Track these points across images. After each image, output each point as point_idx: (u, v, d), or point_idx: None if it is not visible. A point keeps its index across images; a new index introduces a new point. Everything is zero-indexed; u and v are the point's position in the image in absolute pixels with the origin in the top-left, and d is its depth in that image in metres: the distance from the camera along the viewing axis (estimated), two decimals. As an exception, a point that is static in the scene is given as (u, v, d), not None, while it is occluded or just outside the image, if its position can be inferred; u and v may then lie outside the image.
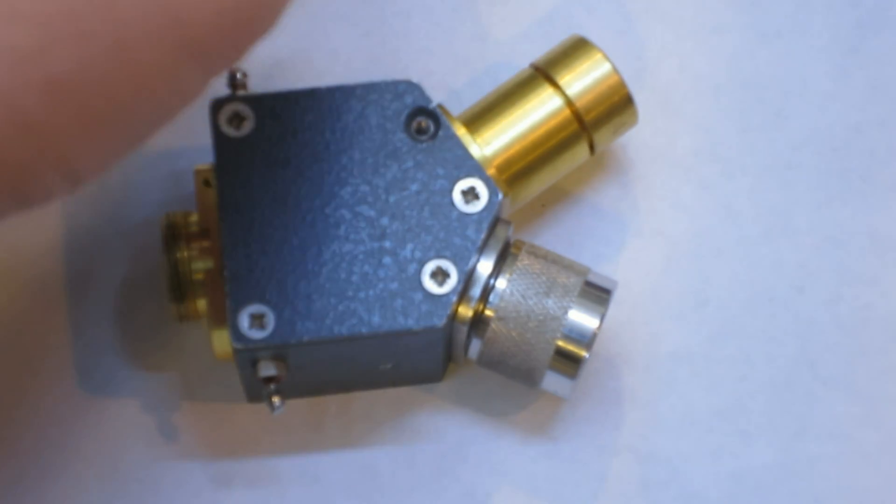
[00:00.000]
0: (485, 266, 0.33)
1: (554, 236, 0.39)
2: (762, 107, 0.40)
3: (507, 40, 0.40)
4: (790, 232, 0.39)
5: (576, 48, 0.36)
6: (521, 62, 0.37)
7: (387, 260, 0.33)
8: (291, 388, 0.34)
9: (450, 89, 0.39)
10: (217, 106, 0.33)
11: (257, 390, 0.34)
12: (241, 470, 0.36)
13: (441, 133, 0.34)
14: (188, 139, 0.38)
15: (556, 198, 0.39)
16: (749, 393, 0.38)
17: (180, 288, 0.34)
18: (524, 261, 0.34)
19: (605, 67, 0.36)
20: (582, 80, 0.36)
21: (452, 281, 0.32)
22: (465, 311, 0.33)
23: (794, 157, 0.40)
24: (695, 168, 0.40)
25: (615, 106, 0.36)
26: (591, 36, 0.37)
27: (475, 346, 0.34)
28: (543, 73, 0.36)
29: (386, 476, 0.37)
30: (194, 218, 0.35)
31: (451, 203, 0.33)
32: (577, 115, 0.36)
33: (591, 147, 0.36)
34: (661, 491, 0.37)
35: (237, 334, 0.32)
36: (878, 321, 0.38)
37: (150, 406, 0.37)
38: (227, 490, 0.36)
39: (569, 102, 0.36)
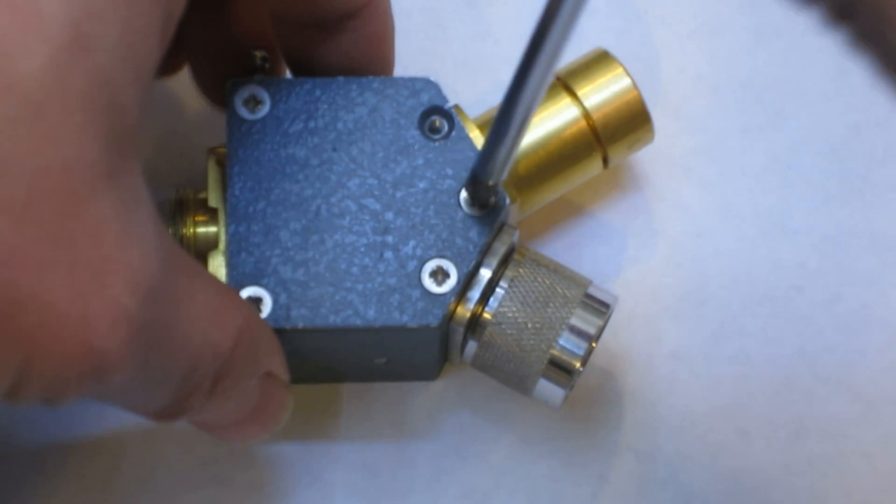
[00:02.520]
0: (486, 269, 0.33)
1: (554, 236, 0.39)
2: (762, 107, 0.40)
3: (507, 40, 0.40)
4: (789, 232, 0.39)
5: (597, 61, 0.36)
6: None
7: (388, 254, 0.33)
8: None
9: (450, 89, 0.39)
10: (235, 87, 0.33)
11: None
12: (241, 470, 0.36)
13: (454, 134, 0.33)
14: (202, 120, 0.38)
15: (558, 197, 0.39)
16: (748, 393, 0.38)
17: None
18: (526, 268, 0.34)
19: (625, 82, 0.36)
20: (601, 92, 0.36)
21: (452, 281, 0.32)
22: (463, 313, 0.33)
23: (794, 157, 0.40)
24: (695, 168, 0.40)
25: (632, 121, 0.36)
26: (591, 36, 0.37)
27: (471, 349, 0.34)
28: (563, 83, 0.36)
29: (385, 476, 0.37)
30: (204, 196, 0.34)
31: (458, 204, 0.33)
32: (592, 128, 0.36)
33: (605, 161, 0.36)
34: (660, 491, 0.37)
35: None
36: (877, 321, 0.38)
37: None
38: (227, 490, 0.36)
39: (586, 114, 0.36)
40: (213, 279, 0.29)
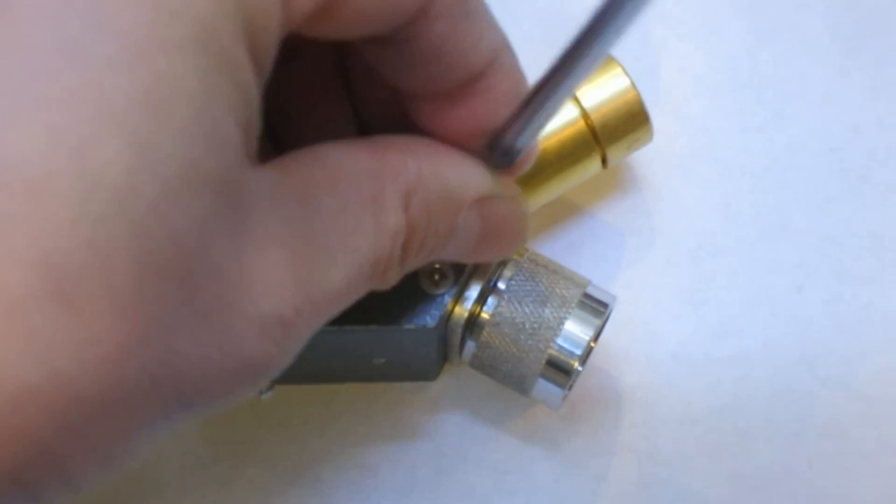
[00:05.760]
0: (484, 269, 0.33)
1: (554, 236, 0.39)
2: (761, 107, 0.40)
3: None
4: (789, 232, 0.39)
5: None
6: (520, 63, 0.37)
7: None
8: (284, 374, 0.34)
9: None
10: None
11: None
12: (242, 470, 0.37)
13: None
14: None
15: (558, 197, 0.39)
16: (748, 393, 0.38)
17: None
18: (525, 268, 0.34)
19: (624, 82, 0.36)
20: (599, 92, 0.36)
21: (449, 282, 0.32)
22: (461, 313, 0.33)
23: (793, 157, 0.40)
24: (695, 168, 0.40)
25: (631, 121, 0.36)
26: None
27: (469, 349, 0.34)
28: None
29: (385, 476, 0.37)
30: None
31: None
32: (591, 128, 0.36)
33: (604, 161, 0.36)
34: (660, 490, 0.37)
35: None
36: (877, 321, 0.38)
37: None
38: (227, 490, 0.36)
39: (584, 114, 0.36)
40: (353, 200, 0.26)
